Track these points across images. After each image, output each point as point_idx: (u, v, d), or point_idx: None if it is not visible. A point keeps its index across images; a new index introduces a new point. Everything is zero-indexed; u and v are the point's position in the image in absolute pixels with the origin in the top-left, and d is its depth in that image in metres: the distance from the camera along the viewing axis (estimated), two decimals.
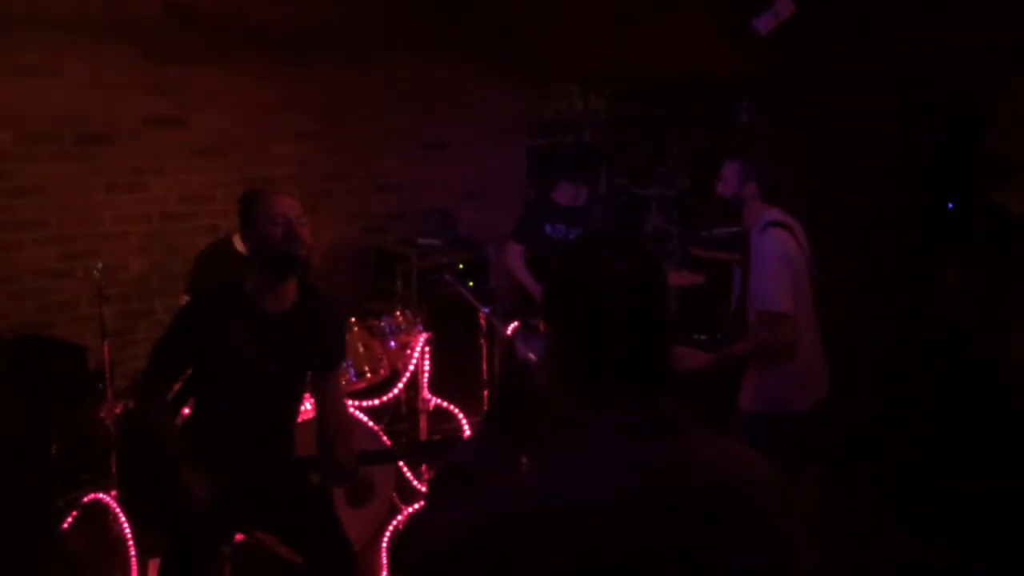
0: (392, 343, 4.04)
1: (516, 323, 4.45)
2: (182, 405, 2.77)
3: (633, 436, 1.13)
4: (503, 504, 1.12)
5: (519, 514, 1.08)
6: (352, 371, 3.85)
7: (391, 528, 3.70)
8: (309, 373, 2.73)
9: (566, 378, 1.20)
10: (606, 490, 1.08)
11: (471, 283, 4.75)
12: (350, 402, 3.77)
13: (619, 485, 1.08)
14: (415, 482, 3.92)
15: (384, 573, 3.55)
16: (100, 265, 3.68)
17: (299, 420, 3.23)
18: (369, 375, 3.90)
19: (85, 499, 3.60)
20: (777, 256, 2.99)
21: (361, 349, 3.91)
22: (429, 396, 4.05)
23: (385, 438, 3.79)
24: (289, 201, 2.58)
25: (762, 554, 1.11)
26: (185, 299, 3.75)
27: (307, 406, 3.19)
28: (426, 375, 4.02)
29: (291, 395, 2.71)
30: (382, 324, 4.06)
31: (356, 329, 3.93)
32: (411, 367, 3.99)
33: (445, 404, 4.10)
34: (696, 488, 1.11)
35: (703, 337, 4.50)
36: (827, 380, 3.17)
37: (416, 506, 3.81)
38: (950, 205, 4.87)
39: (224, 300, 2.57)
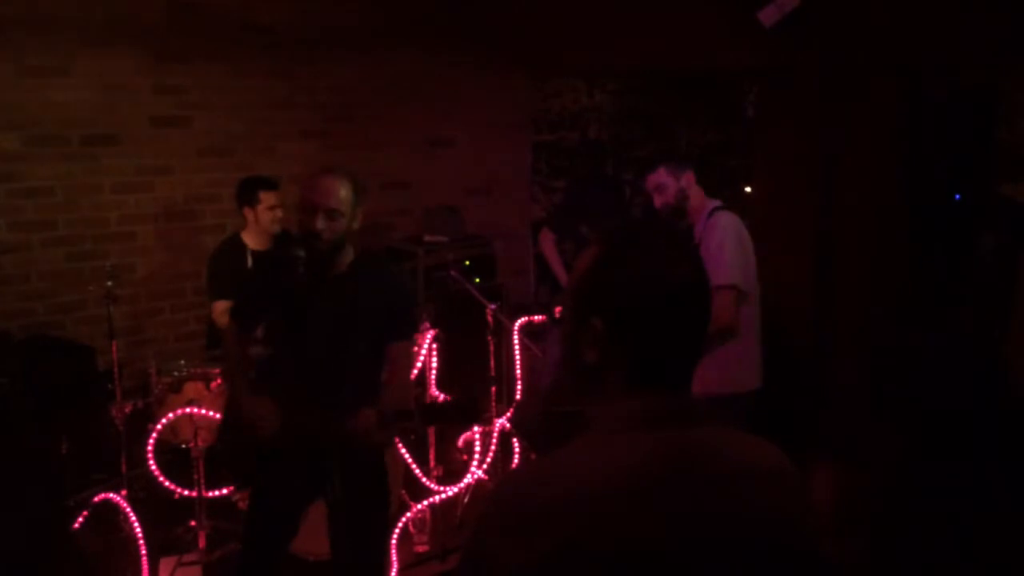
0: None
1: (523, 319, 4.45)
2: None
3: (646, 425, 1.14)
4: (515, 490, 1.15)
5: (526, 500, 1.10)
6: None
7: (400, 525, 3.71)
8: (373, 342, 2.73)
9: (587, 368, 1.20)
10: (616, 476, 1.09)
11: (477, 280, 4.75)
12: None
13: (629, 471, 1.10)
14: (424, 479, 3.92)
15: (395, 569, 3.56)
16: (109, 265, 3.70)
17: None
18: None
19: (96, 498, 3.62)
20: (732, 235, 3.12)
21: None
22: (436, 392, 4.05)
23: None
24: (328, 187, 2.56)
25: (774, 542, 1.12)
26: (217, 306, 3.78)
27: None
28: (433, 372, 4.02)
29: (347, 359, 2.64)
30: None
31: None
32: (418, 364, 3.99)
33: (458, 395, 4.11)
34: (708, 475, 1.12)
35: None
36: (761, 371, 3.26)
37: (425, 503, 3.83)
38: (956, 196, 4.85)
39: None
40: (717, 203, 3.26)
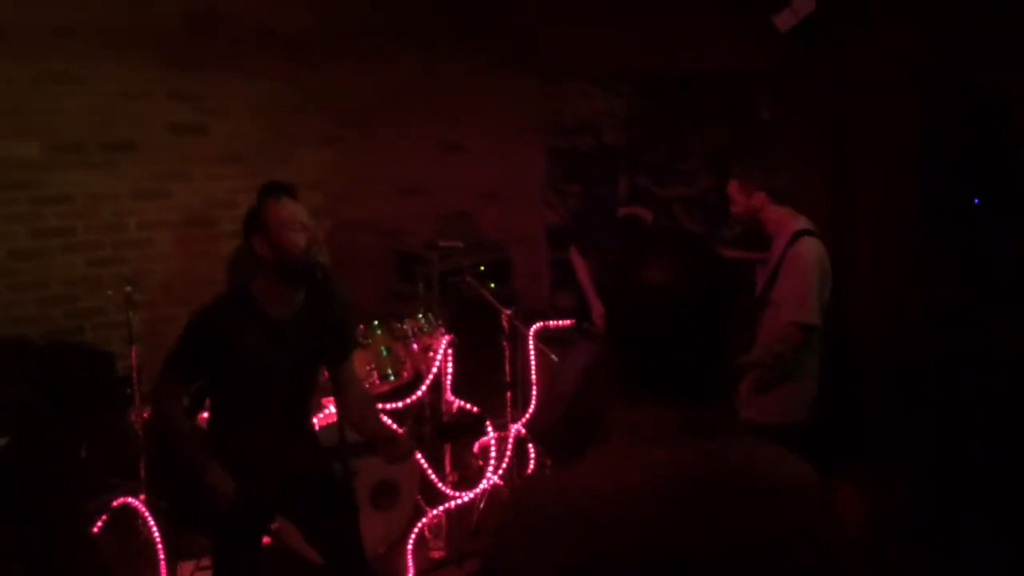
0: (415, 346, 4.06)
1: (538, 324, 4.45)
2: (199, 408, 2.80)
3: (667, 436, 1.14)
4: (534, 500, 1.15)
5: (545, 511, 1.10)
6: (376, 374, 3.87)
7: (416, 530, 3.72)
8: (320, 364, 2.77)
9: (614, 380, 1.21)
10: (637, 487, 1.10)
11: (492, 285, 4.76)
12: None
13: (650, 482, 1.10)
14: (439, 484, 3.93)
15: (410, 574, 3.57)
16: (128, 271, 3.73)
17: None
18: (392, 378, 3.92)
19: (115, 503, 3.66)
20: (814, 269, 2.99)
21: (384, 352, 3.93)
22: (452, 398, 4.06)
23: None
24: (297, 205, 2.58)
25: (795, 556, 1.11)
26: None
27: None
28: (449, 377, 4.03)
29: (307, 388, 2.74)
30: (404, 327, 4.08)
31: (379, 332, 3.95)
32: (434, 369, 4.00)
33: (468, 406, 4.12)
34: (730, 487, 1.11)
35: None
36: (810, 407, 3.16)
37: (440, 508, 3.83)
38: (975, 200, 4.81)
39: (232, 309, 2.56)
40: (802, 225, 3.10)
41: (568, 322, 4.61)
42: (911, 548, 3.55)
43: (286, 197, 2.59)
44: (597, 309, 4.23)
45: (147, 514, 3.49)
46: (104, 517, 3.69)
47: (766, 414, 3.05)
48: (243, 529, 2.66)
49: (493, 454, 4.06)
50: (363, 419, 2.75)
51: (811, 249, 3.02)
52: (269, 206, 2.56)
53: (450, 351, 4.03)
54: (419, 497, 3.88)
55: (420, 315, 4.17)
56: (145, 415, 3.67)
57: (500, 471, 4.08)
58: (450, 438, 3.21)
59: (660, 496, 1.09)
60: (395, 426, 3.75)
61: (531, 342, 4.38)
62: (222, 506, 2.53)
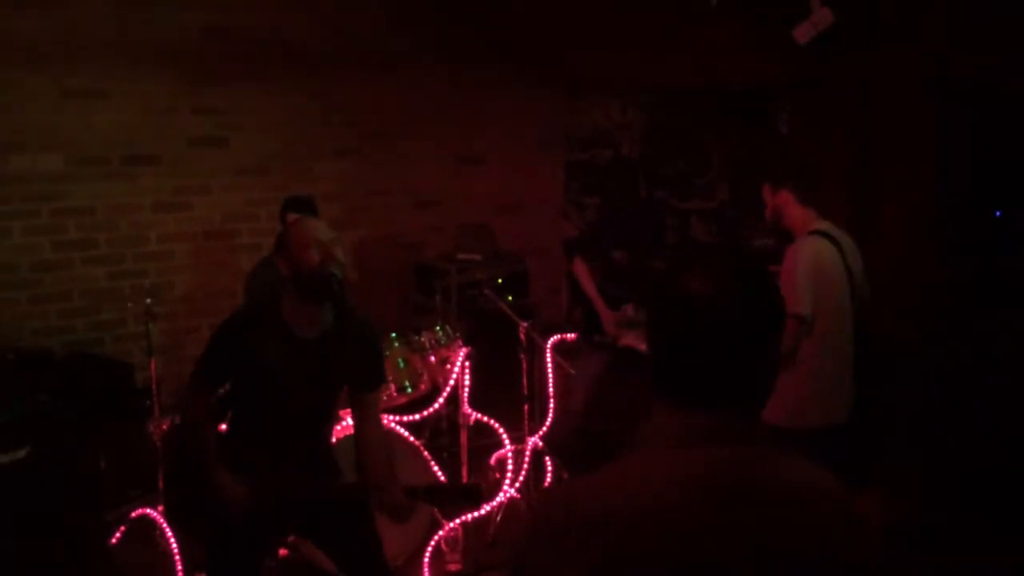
0: (432, 358, 4.06)
1: (555, 337, 4.44)
2: (222, 418, 2.81)
3: (688, 443, 1.15)
4: (561, 504, 1.17)
5: (572, 515, 1.12)
6: (393, 386, 3.87)
7: (432, 543, 3.70)
8: (345, 389, 2.75)
9: (654, 389, 1.23)
10: (661, 491, 1.11)
11: (510, 297, 4.76)
12: (392, 417, 3.80)
13: (669, 487, 1.11)
14: None
15: None
16: (148, 283, 3.76)
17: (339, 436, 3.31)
18: (410, 390, 3.92)
19: (133, 514, 3.67)
20: (807, 261, 3.02)
21: (401, 364, 3.93)
22: (469, 410, 4.05)
23: (426, 453, 3.81)
24: (319, 224, 2.59)
25: (810, 561, 1.11)
26: None
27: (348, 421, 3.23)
28: (466, 389, 4.02)
29: (324, 413, 2.74)
30: (422, 339, 4.08)
31: (396, 344, 3.96)
32: (451, 382, 4.00)
33: (485, 418, 4.11)
34: (747, 492, 1.12)
35: None
36: (849, 401, 3.13)
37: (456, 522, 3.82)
38: (997, 213, 4.77)
39: (260, 322, 2.57)
40: (815, 227, 3.14)
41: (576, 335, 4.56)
42: (915, 551, 3.50)
43: (308, 215, 2.61)
44: (607, 317, 4.19)
45: (165, 525, 3.50)
46: (122, 528, 3.70)
47: (773, 414, 3.01)
48: (238, 541, 2.63)
49: (510, 467, 4.04)
50: (366, 457, 2.72)
51: (807, 246, 3.06)
52: (291, 226, 2.61)
53: (467, 363, 4.03)
54: (435, 510, 3.86)
55: (438, 327, 4.17)
56: (164, 426, 3.69)
57: (517, 484, 4.06)
58: (438, 503, 3.20)
59: (679, 500, 1.10)
60: (412, 438, 3.76)
61: (548, 355, 4.37)
62: (234, 507, 2.53)
